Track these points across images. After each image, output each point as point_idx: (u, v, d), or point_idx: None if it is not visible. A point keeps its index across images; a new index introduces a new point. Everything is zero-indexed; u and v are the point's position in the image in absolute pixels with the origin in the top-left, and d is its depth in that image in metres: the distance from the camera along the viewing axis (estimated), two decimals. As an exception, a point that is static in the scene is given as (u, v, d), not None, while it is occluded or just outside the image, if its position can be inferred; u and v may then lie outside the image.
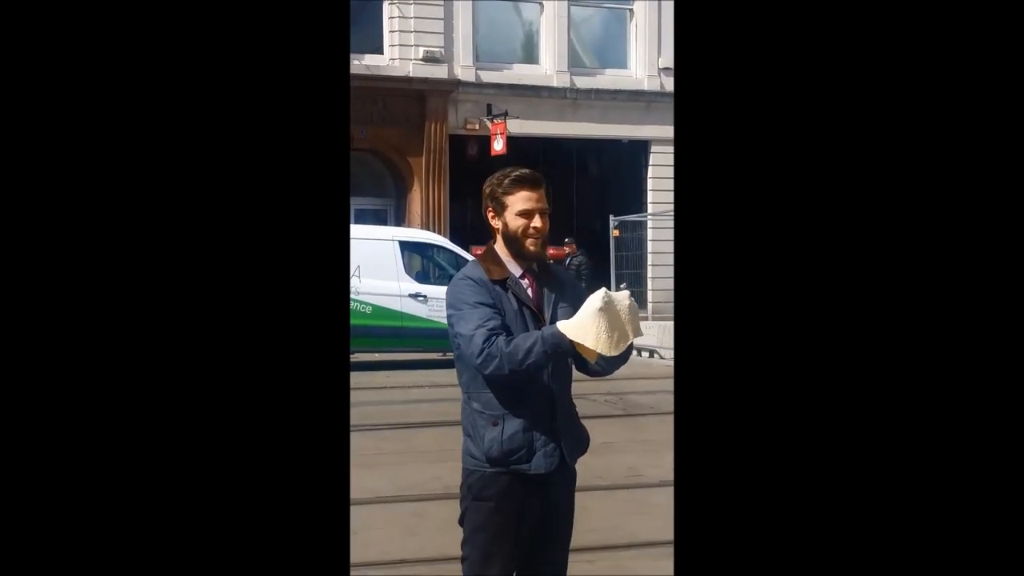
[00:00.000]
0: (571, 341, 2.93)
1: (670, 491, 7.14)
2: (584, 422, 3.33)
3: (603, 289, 2.97)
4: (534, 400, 3.09)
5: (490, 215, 3.16)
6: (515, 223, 3.09)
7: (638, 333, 3.00)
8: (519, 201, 3.09)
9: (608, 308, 2.91)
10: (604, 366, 3.11)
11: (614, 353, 2.97)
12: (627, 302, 2.98)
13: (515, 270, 3.14)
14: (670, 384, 11.90)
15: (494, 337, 2.97)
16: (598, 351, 2.93)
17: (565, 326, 2.94)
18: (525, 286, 3.14)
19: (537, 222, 3.10)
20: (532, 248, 3.12)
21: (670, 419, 8.86)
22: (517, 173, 3.12)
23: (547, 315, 3.12)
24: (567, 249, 17.82)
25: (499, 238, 3.17)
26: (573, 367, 3.23)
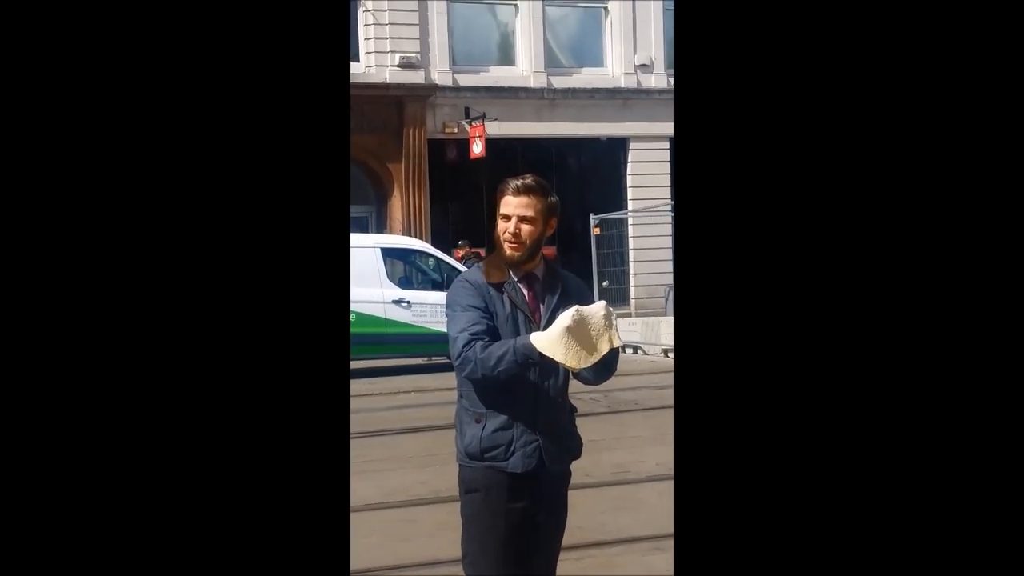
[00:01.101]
0: (541, 354, 2.97)
1: (656, 486, 7.20)
2: (570, 421, 3.35)
3: (575, 308, 2.98)
4: (516, 401, 3.13)
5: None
6: (499, 227, 3.15)
7: (613, 344, 3.01)
8: (502, 206, 3.15)
9: (578, 325, 2.94)
10: (588, 376, 3.16)
11: (581, 367, 3.01)
12: (602, 314, 2.99)
13: (516, 274, 3.18)
14: (654, 380, 11.94)
15: (474, 341, 3.03)
16: (566, 365, 2.98)
17: (536, 338, 2.99)
18: (522, 290, 3.18)
19: (512, 227, 3.12)
20: (507, 252, 3.15)
21: (655, 415, 8.93)
22: (515, 180, 3.16)
23: (543, 320, 3.15)
24: (460, 252, 16.88)
25: None
26: (569, 373, 3.25)
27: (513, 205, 3.13)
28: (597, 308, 3.01)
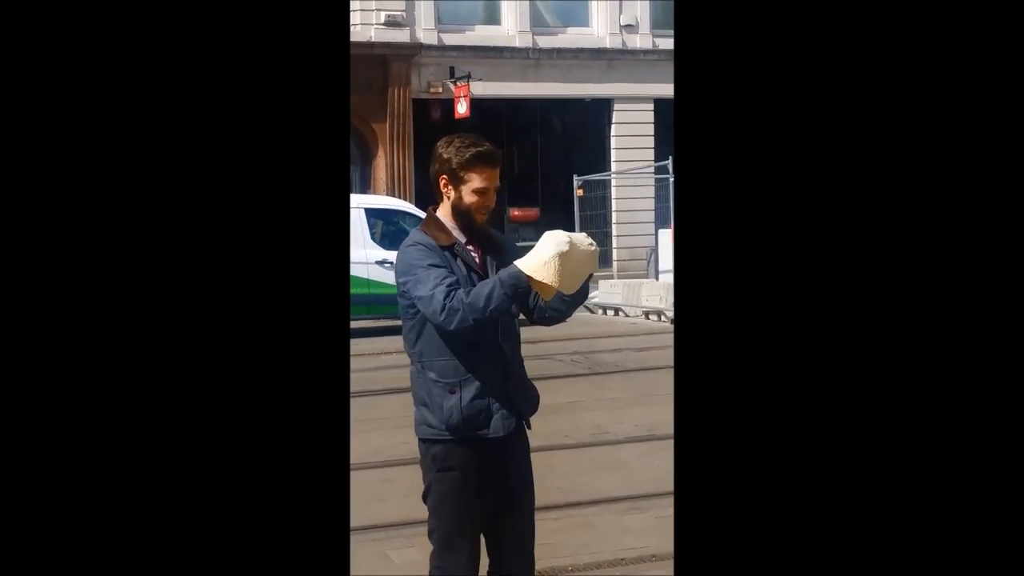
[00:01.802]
0: (529, 278, 2.96)
1: (634, 447, 7.24)
2: (550, 381, 3.39)
3: (561, 232, 3.00)
4: (489, 364, 3.13)
5: (442, 182, 3.15)
6: (470, 198, 3.11)
7: (594, 269, 3.07)
8: (478, 179, 3.10)
9: (570, 247, 2.96)
10: (561, 308, 3.15)
11: (573, 290, 3.03)
12: (587, 240, 3.03)
13: (460, 237, 3.17)
14: (635, 342, 11.98)
15: (453, 292, 2.99)
16: (558, 288, 2.98)
17: (523, 264, 2.98)
18: (471, 251, 3.17)
19: (491, 200, 3.14)
20: (480, 221, 3.16)
21: (634, 376, 8.95)
22: (479, 149, 3.11)
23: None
24: None
25: (446, 206, 3.18)
26: (519, 329, 3.27)
27: (493, 177, 3.12)
28: (581, 235, 3.05)
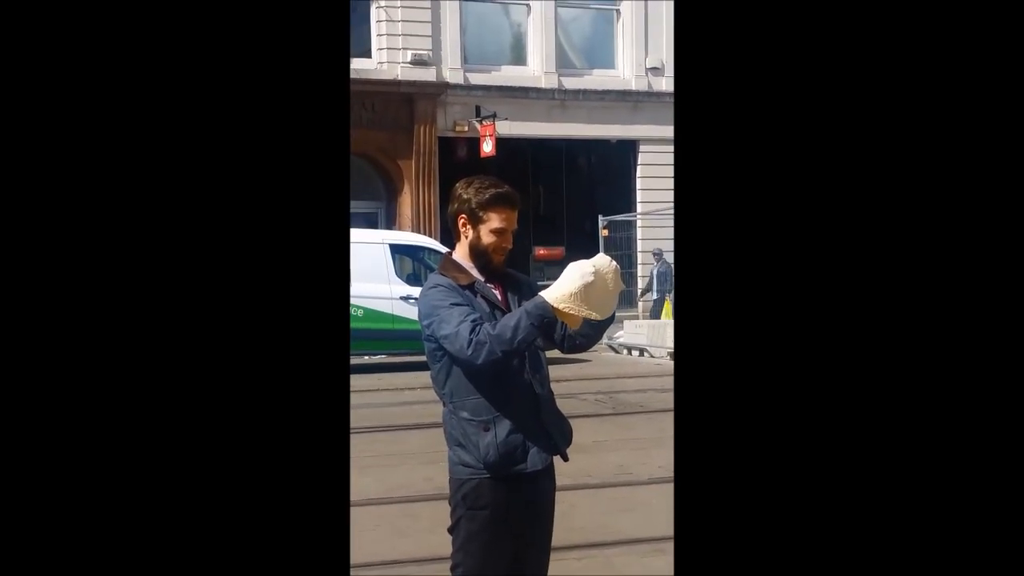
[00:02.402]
0: (554, 309, 2.97)
1: (658, 488, 7.20)
2: (574, 420, 3.37)
3: (585, 262, 3.02)
4: (519, 398, 3.13)
5: (461, 222, 3.18)
6: (488, 239, 3.14)
7: (620, 288, 3.08)
8: (496, 219, 3.13)
9: (595, 277, 2.98)
10: (590, 333, 3.17)
11: (604, 316, 3.04)
12: (611, 264, 3.04)
13: (479, 276, 3.19)
14: (659, 383, 11.95)
15: (478, 327, 3.00)
16: (590, 316, 3.00)
17: (549, 294, 2.99)
18: (491, 288, 3.19)
19: (508, 241, 3.18)
20: (497, 261, 3.19)
21: (659, 417, 8.93)
22: (498, 191, 3.15)
23: None
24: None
25: (463, 247, 3.22)
26: (547, 362, 3.28)
27: (512, 219, 3.16)
28: (602, 258, 3.06)
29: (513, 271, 3.34)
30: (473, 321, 3.01)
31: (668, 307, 16.58)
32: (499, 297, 3.18)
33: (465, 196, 3.17)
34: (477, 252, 3.17)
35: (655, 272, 18.51)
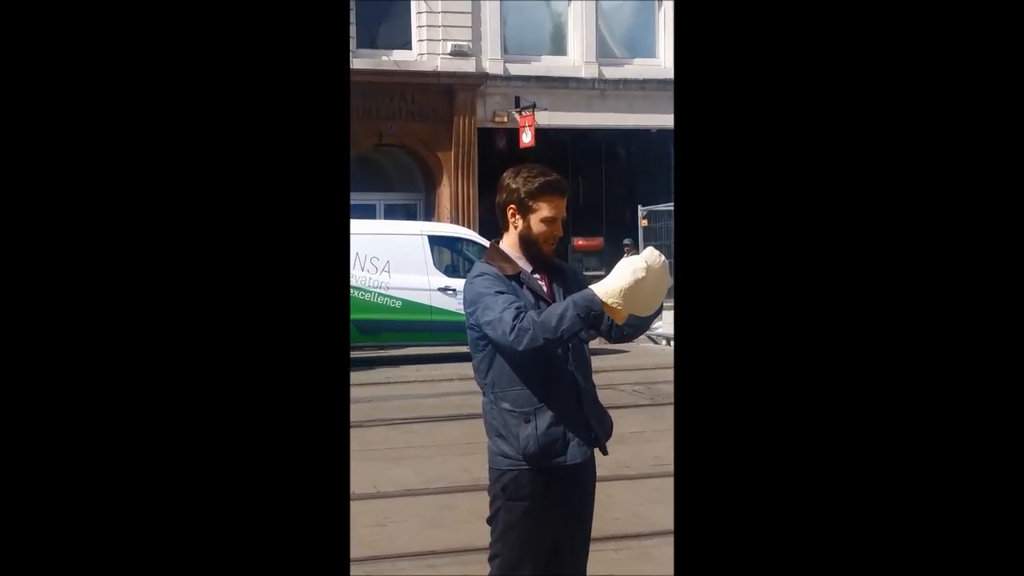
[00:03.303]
0: (602, 303, 2.95)
1: (696, 481, 7.06)
2: (612, 411, 3.36)
3: (637, 258, 2.99)
4: (562, 391, 3.12)
5: (510, 212, 3.16)
6: (538, 228, 3.12)
7: (669, 283, 3.03)
8: (547, 208, 3.11)
9: (647, 273, 2.95)
10: (633, 329, 3.16)
11: (650, 312, 3.04)
12: (662, 259, 3.00)
13: (525, 267, 3.17)
14: (699, 374, 11.88)
15: (522, 313, 2.98)
16: (638, 313, 3.00)
17: (599, 288, 2.97)
18: (537, 279, 3.17)
19: (558, 229, 3.15)
20: (547, 251, 3.17)
21: (696, 409, 8.67)
22: (547, 179, 3.13)
23: None
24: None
25: (512, 236, 3.19)
26: (590, 355, 3.26)
27: (561, 208, 3.14)
28: (653, 254, 3.01)
29: (561, 261, 3.32)
30: (517, 308, 2.99)
31: None
32: (544, 289, 3.16)
33: (514, 186, 3.14)
34: (527, 242, 3.15)
35: None
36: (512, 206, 3.15)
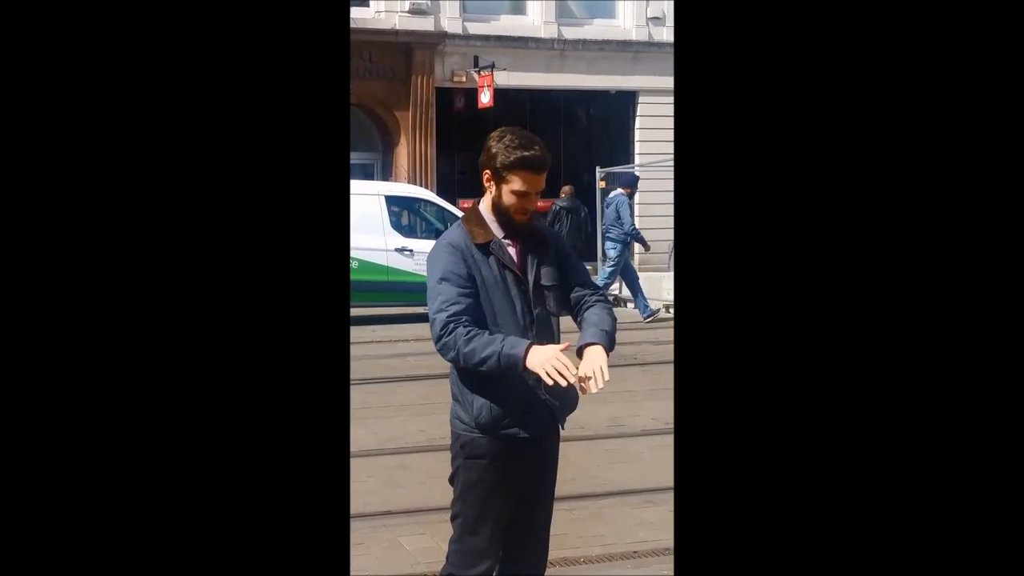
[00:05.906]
0: (525, 368, 2.88)
1: (651, 440, 7.22)
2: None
3: (594, 373, 2.92)
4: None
5: (486, 177, 3.10)
6: (510, 199, 3.06)
7: (597, 388, 2.94)
8: (520, 181, 3.03)
9: (578, 379, 2.91)
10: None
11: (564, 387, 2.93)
12: (597, 389, 2.93)
13: (499, 232, 3.11)
14: (653, 335, 11.94)
15: (452, 325, 2.94)
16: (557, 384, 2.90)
17: (533, 357, 2.87)
18: (508, 247, 3.11)
19: (531, 203, 3.08)
20: (519, 221, 3.10)
21: (653, 369, 8.94)
22: (525, 153, 3.03)
23: (530, 276, 3.10)
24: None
25: (488, 201, 3.13)
26: (559, 331, 3.22)
27: (537, 183, 3.06)
28: (597, 386, 2.93)
29: (542, 227, 3.26)
30: (449, 316, 2.95)
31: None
32: (515, 259, 3.10)
33: (493, 151, 3.06)
34: (498, 210, 3.10)
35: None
36: (487, 171, 3.09)
